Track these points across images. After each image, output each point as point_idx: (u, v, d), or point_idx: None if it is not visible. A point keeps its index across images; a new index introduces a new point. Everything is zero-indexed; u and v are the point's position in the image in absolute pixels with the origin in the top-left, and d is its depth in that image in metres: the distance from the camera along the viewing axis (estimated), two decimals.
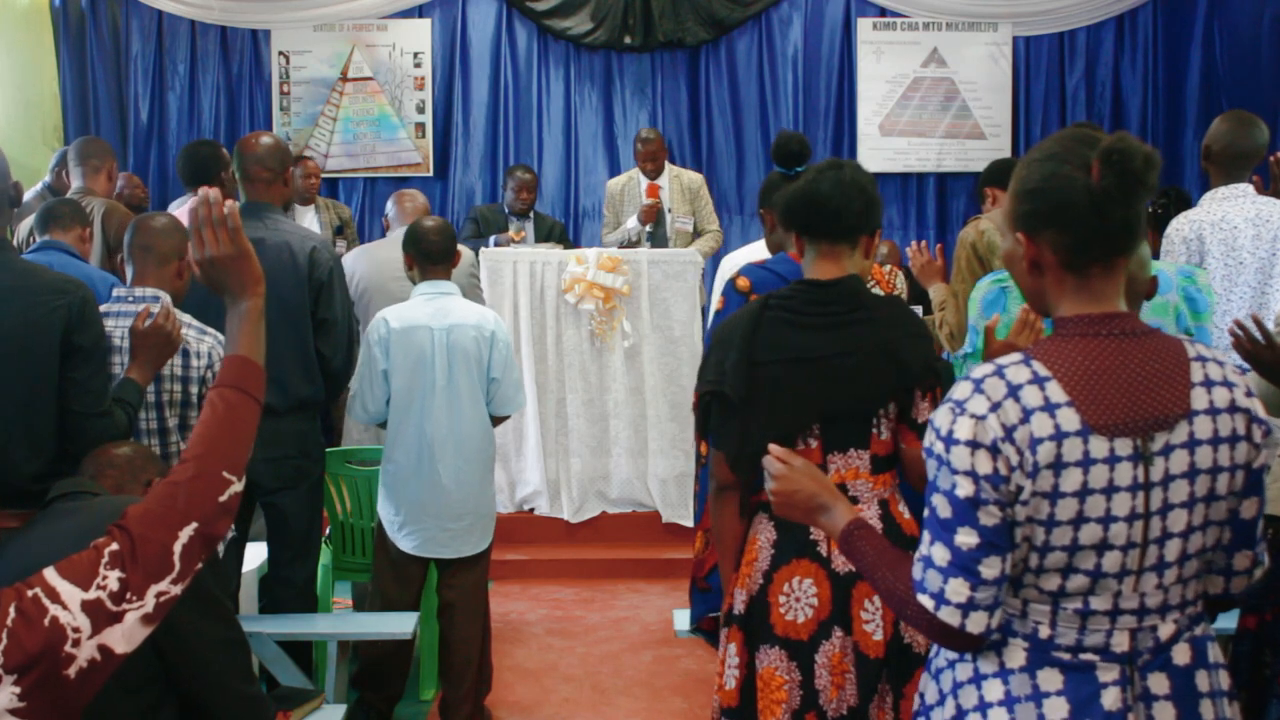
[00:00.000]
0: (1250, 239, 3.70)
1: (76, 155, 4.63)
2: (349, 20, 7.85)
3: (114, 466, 2.48)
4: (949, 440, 1.53)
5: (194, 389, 3.09)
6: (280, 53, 7.87)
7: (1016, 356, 1.57)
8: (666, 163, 6.41)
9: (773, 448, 1.87)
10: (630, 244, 6.17)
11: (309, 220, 6.78)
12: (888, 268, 3.58)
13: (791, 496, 1.82)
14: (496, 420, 3.80)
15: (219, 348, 3.13)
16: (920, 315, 2.67)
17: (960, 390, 1.55)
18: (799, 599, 2.28)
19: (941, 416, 1.55)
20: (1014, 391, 1.52)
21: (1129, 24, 8.04)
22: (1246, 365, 2.59)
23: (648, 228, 6.16)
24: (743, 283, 3.14)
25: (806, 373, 2.29)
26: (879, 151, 7.93)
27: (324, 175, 7.72)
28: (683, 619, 4.71)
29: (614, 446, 5.66)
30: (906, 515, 2.37)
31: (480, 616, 3.76)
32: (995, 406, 1.51)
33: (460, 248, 4.96)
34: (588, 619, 4.91)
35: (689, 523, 5.42)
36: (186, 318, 3.14)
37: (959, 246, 3.84)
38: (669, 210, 6.25)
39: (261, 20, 7.83)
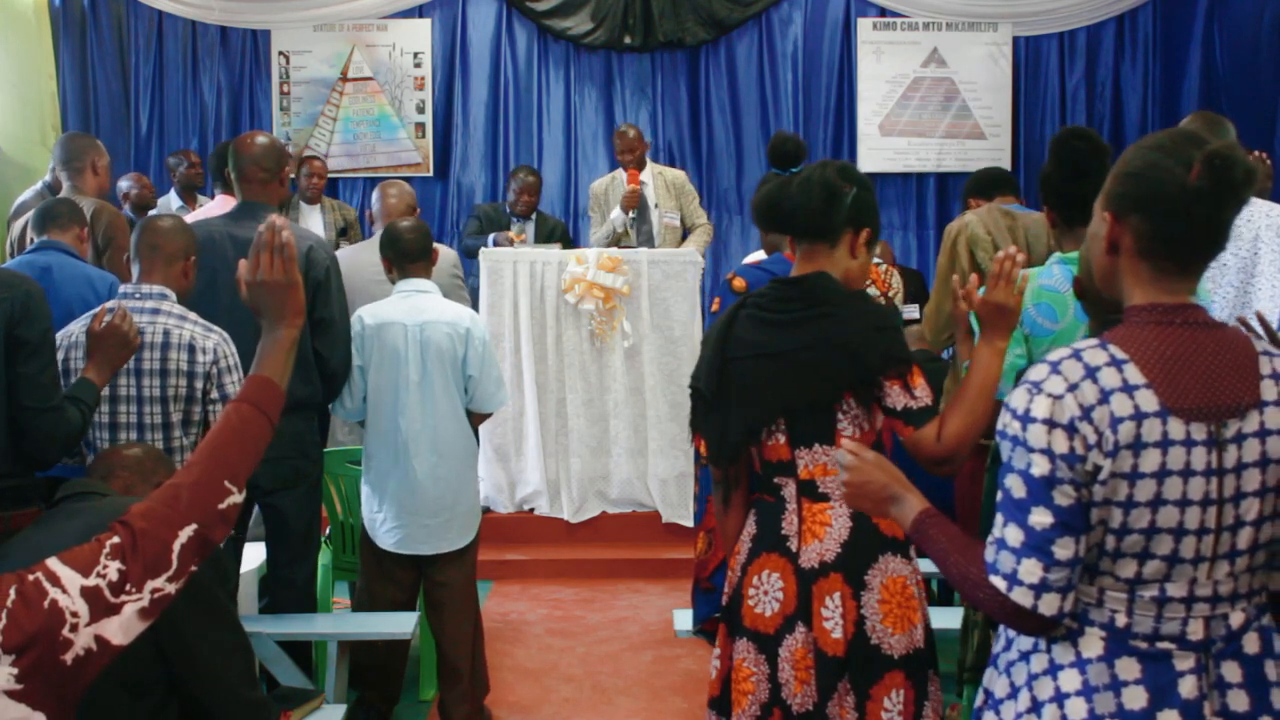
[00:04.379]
0: (1232, 239, 3.69)
1: (59, 160, 4.63)
2: (349, 20, 7.86)
3: (125, 468, 2.49)
4: (1025, 419, 1.54)
5: (199, 384, 3.10)
6: (280, 53, 7.88)
7: (1092, 341, 1.59)
8: (649, 161, 6.38)
9: (844, 442, 1.89)
10: (616, 235, 6.15)
11: (314, 220, 6.79)
12: (884, 268, 3.60)
13: (863, 487, 1.83)
14: (480, 418, 3.81)
15: (224, 344, 3.15)
16: (903, 311, 2.67)
17: (1036, 372, 1.58)
18: (767, 592, 2.31)
19: (1017, 397, 1.57)
20: (1091, 373, 1.54)
21: (1129, 24, 8.05)
22: None
23: (631, 215, 6.10)
24: (739, 283, 3.16)
25: (770, 367, 2.32)
26: (879, 151, 7.94)
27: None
28: (683, 619, 4.73)
29: (614, 446, 5.67)
30: None
31: (470, 615, 3.76)
32: (1073, 387, 1.53)
33: (440, 246, 4.98)
34: (588, 619, 4.92)
35: (689, 523, 5.43)
36: (193, 316, 3.16)
37: (944, 241, 3.85)
38: (655, 206, 6.23)
39: (261, 20, 7.84)
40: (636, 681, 4.25)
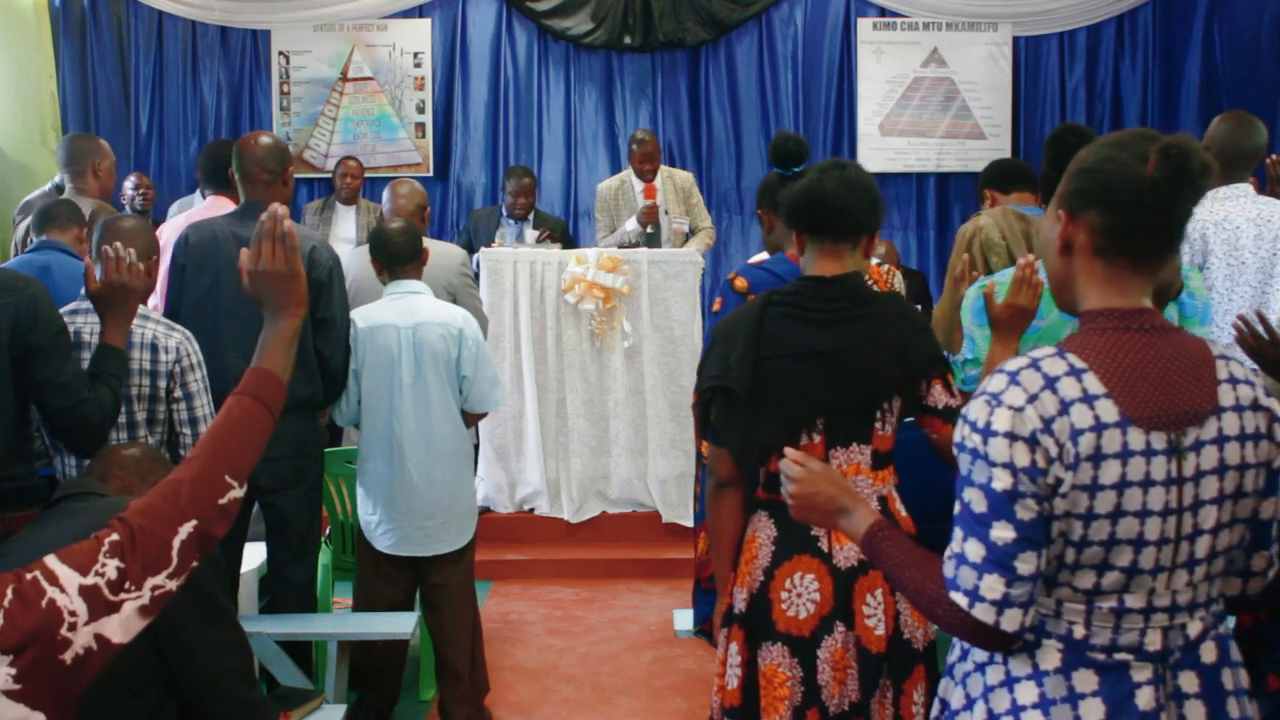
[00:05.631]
0: (1252, 239, 3.71)
1: (61, 162, 4.63)
2: (349, 20, 7.85)
3: (122, 468, 2.48)
4: (986, 432, 1.51)
5: (162, 384, 3.10)
6: (280, 53, 7.88)
7: (1050, 349, 1.56)
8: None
9: (789, 451, 1.87)
10: (629, 246, 6.18)
11: (349, 220, 6.85)
12: (885, 267, 3.59)
13: (811, 499, 1.80)
14: (475, 418, 3.81)
15: (187, 343, 3.15)
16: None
17: (995, 383, 1.54)
18: (801, 595, 2.29)
19: (976, 409, 1.53)
20: (1051, 383, 1.50)
21: (1129, 24, 8.05)
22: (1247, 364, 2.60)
23: (648, 229, 6.17)
24: (740, 283, 3.15)
25: (814, 367, 2.30)
26: (879, 151, 7.93)
27: (323, 175, 7.74)
28: (683, 619, 4.71)
29: (614, 446, 5.66)
30: (904, 513, 2.39)
31: (468, 615, 3.75)
32: (1033, 398, 1.50)
33: (451, 246, 4.98)
34: (588, 619, 4.91)
35: (689, 523, 5.42)
36: (155, 315, 3.15)
37: (957, 241, 3.83)
38: (665, 212, 6.26)
39: (261, 20, 7.84)
40: (636, 681, 4.25)
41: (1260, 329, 2.54)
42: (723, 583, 2.45)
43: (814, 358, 2.31)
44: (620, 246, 6.16)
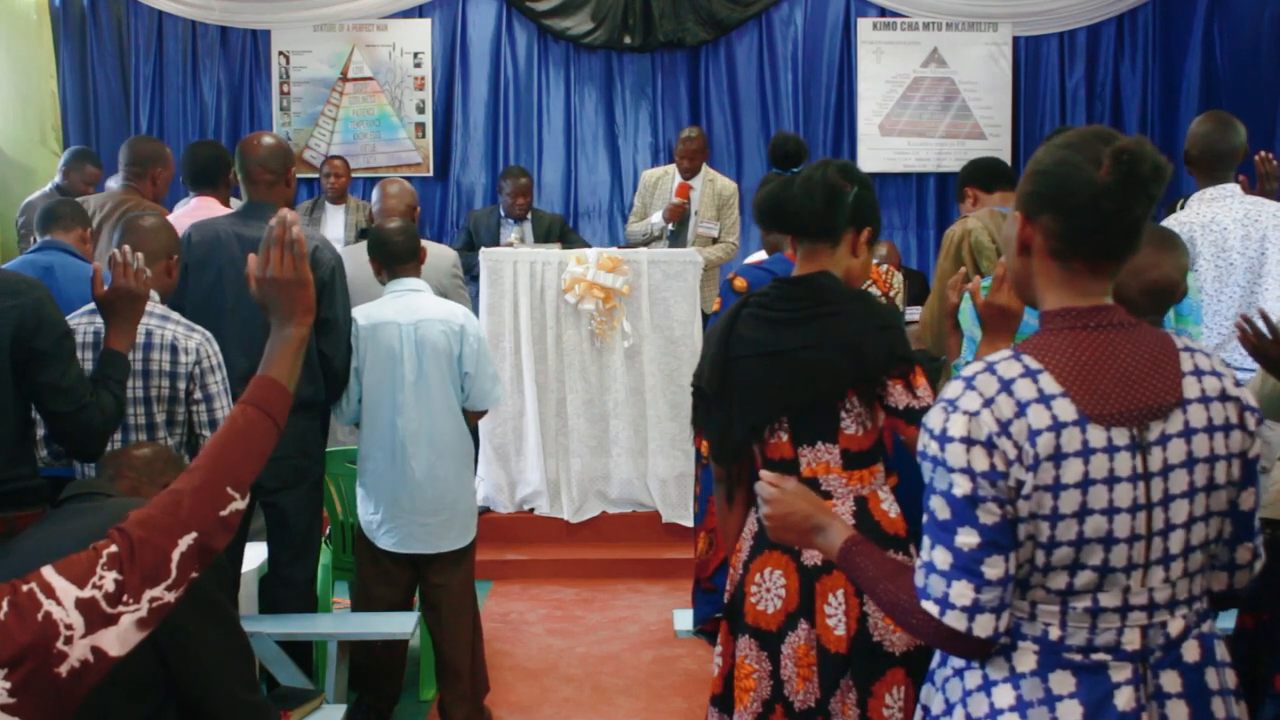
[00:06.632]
0: (1239, 239, 3.71)
1: (124, 160, 4.61)
2: (349, 20, 7.85)
3: (132, 468, 2.47)
4: (943, 439, 1.51)
5: (181, 385, 3.10)
6: (280, 53, 7.88)
7: (1006, 353, 1.56)
8: (705, 165, 6.41)
9: (764, 473, 1.88)
10: (652, 238, 6.20)
11: (338, 219, 6.86)
12: (885, 268, 3.60)
13: (786, 519, 1.82)
14: (475, 415, 3.81)
15: (207, 344, 3.15)
16: (906, 313, 2.68)
17: (951, 389, 1.54)
18: (769, 589, 2.32)
19: (934, 416, 1.54)
20: (1006, 386, 1.50)
21: (1129, 24, 8.05)
22: (1246, 364, 2.59)
23: (670, 226, 6.18)
24: (740, 283, 3.16)
25: (773, 366, 2.33)
26: (879, 151, 7.94)
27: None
28: (683, 619, 4.72)
29: (614, 446, 5.66)
30: (892, 514, 2.36)
31: (468, 615, 3.75)
32: (988, 402, 1.49)
33: (442, 247, 4.98)
34: (588, 619, 4.91)
35: (689, 523, 5.42)
36: (175, 316, 3.15)
37: (945, 244, 3.83)
38: (695, 213, 6.26)
39: (261, 20, 7.84)
40: (636, 681, 4.25)
41: (1263, 327, 2.53)
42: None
43: (773, 357, 2.33)
44: (644, 236, 6.19)
